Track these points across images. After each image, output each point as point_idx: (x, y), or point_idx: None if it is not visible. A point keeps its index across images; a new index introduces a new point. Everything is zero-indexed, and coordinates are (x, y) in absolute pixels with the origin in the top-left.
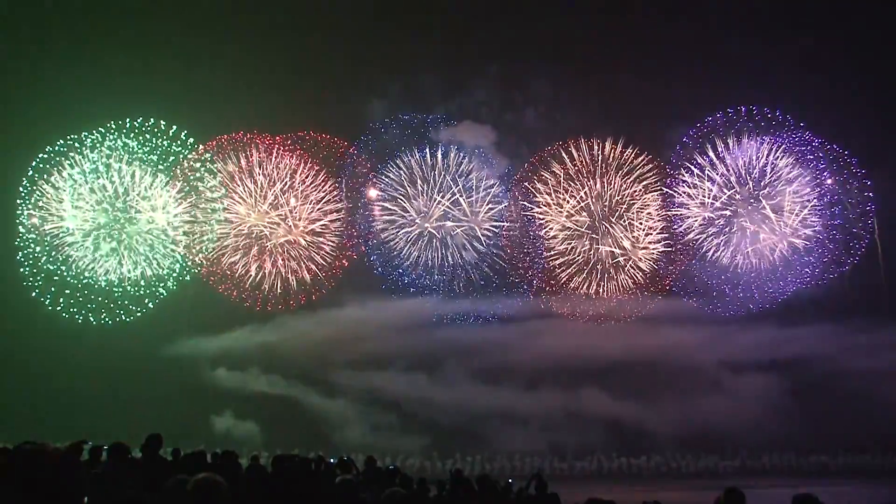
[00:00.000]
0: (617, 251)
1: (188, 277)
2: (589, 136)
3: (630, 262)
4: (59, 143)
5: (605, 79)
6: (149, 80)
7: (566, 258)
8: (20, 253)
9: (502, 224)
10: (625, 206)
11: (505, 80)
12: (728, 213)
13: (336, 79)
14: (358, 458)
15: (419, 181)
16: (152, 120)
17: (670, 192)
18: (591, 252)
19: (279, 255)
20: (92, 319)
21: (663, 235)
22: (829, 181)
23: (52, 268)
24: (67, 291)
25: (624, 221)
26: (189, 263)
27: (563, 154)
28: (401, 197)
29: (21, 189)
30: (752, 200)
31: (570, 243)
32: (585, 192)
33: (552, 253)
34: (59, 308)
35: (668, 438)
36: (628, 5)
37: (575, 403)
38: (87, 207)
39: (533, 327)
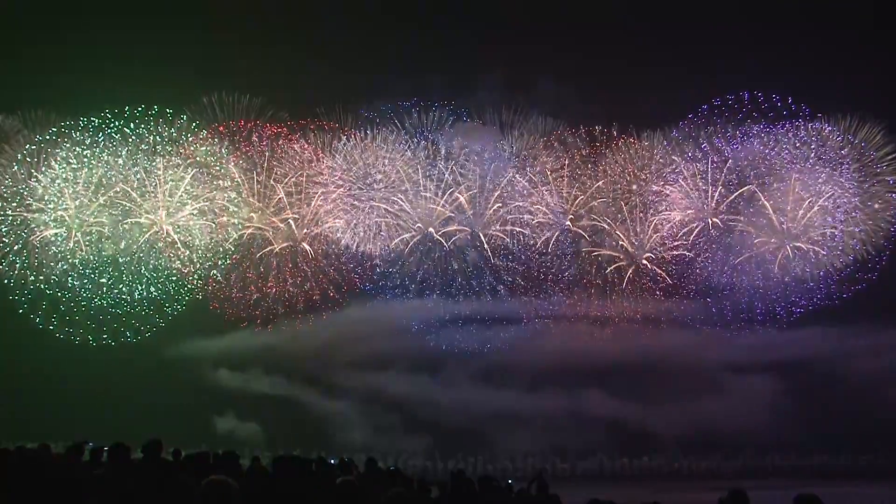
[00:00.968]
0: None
1: (200, 296)
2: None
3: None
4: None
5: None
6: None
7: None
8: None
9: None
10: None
11: (509, 79)
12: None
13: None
14: (360, 459)
15: (421, 180)
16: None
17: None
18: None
19: (287, 271)
20: (91, 340)
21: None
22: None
23: (43, 287)
24: (62, 308)
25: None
26: (200, 280)
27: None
28: (400, 198)
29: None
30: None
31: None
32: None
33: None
34: (51, 328)
35: (670, 439)
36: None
37: (577, 404)
38: (85, 208)
39: (535, 328)
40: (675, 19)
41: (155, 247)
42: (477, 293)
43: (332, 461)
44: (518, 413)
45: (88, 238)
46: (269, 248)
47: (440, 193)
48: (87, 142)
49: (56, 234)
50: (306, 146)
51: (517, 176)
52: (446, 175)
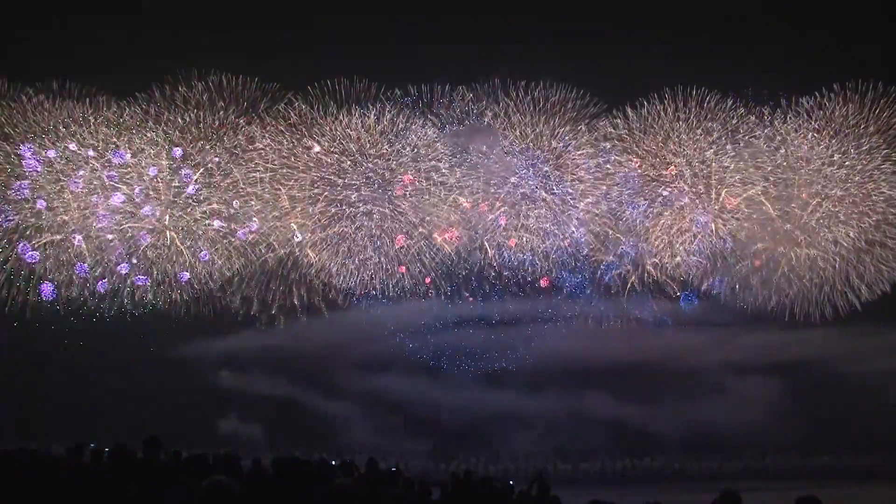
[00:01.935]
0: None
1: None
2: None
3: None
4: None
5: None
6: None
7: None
8: None
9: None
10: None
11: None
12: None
13: None
14: (362, 460)
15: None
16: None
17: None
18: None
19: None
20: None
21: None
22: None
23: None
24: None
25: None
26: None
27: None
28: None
29: None
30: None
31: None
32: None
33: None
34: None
35: (671, 440)
36: None
37: (578, 406)
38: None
39: (537, 329)
40: None
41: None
42: (479, 295)
43: (333, 462)
44: (519, 414)
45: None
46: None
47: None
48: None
49: None
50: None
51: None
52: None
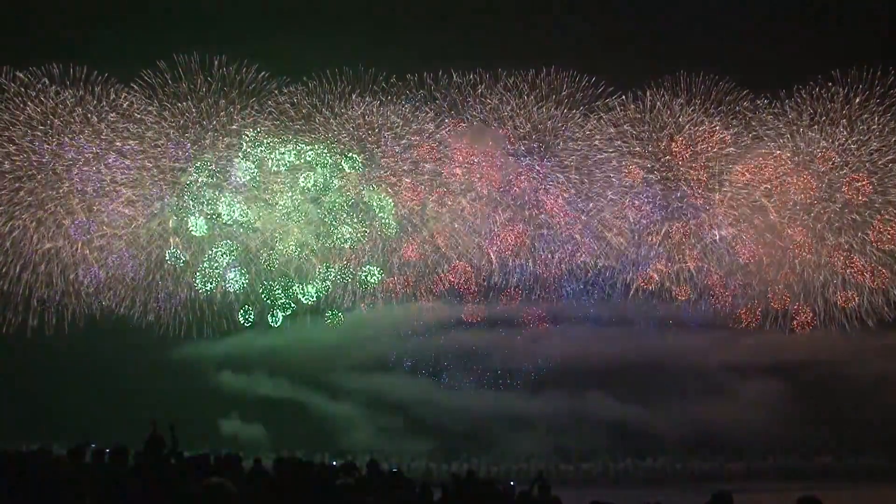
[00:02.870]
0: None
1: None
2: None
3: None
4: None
5: None
6: None
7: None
8: None
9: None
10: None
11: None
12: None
13: None
14: (365, 461)
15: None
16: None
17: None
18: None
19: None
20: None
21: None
22: None
23: None
24: None
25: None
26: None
27: None
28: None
29: None
30: None
31: None
32: None
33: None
34: None
35: (673, 441)
36: None
37: (580, 406)
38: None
39: (539, 331)
40: None
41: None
42: (482, 296)
43: (334, 463)
44: (521, 415)
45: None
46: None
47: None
48: None
49: None
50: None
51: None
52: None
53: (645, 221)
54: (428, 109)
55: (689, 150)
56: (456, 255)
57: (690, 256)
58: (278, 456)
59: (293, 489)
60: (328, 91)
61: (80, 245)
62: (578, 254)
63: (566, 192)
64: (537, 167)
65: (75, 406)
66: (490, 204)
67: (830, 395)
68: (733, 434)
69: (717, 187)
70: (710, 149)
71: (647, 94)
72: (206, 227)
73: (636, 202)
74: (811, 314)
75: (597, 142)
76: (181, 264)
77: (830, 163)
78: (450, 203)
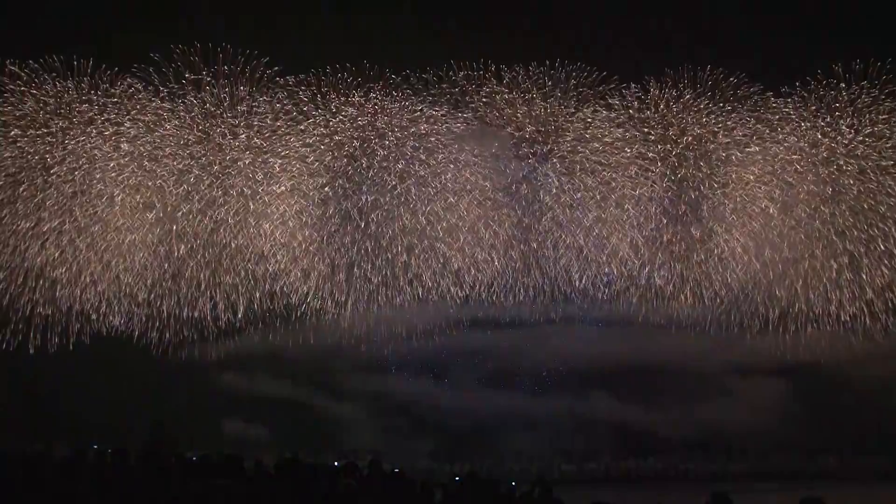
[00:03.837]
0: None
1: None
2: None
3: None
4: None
5: None
6: None
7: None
8: None
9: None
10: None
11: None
12: None
13: None
14: (367, 461)
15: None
16: None
17: None
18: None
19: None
20: None
21: None
22: None
23: None
24: None
25: None
26: None
27: None
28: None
29: None
30: None
31: None
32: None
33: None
34: None
35: (676, 441)
36: None
37: (582, 407)
38: None
39: (541, 332)
40: None
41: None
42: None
43: (336, 464)
44: (524, 416)
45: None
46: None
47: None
48: None
49: None
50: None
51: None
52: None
53: (652, 225)
54: (437, 109)
55: (696, 150)
56: (460, 257)
57: (697, 263)
58: (280, 456)
59: (294, 490)
60: (326, 87)
61: (83, 256)
62: (581, 256)
63: (572, 193)
64: (542, 168)
65: (77, 407)
66: (494, 207)
67: (834, 395)
68: (736, 434)
69: (724, 189)
70: (719, 148)
71: (652, 90)
72: None
73: (645, 207)
74: (816, 314)
75: (601, 140)
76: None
77: (837, 163)
78: (452, 201)
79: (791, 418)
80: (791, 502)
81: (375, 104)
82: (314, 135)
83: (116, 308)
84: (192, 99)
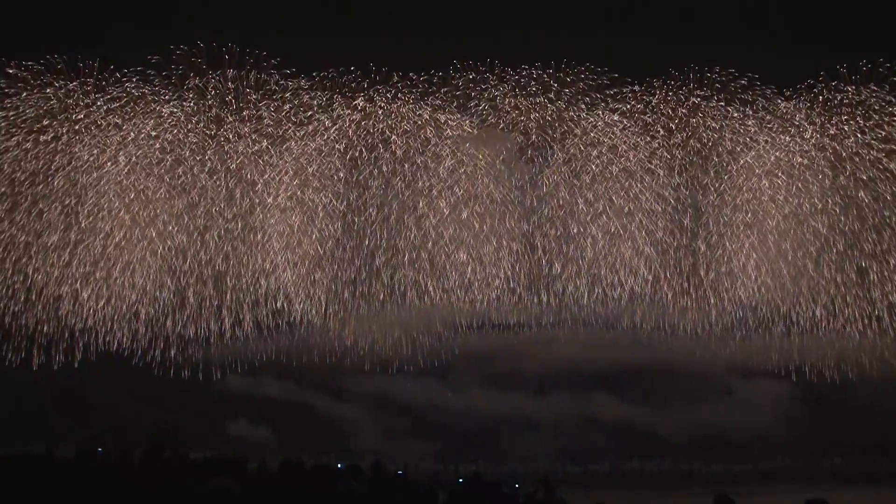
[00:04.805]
0: None
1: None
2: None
3: None
4: None
5: None
6: None
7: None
8: None
9: None
10: None
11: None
12: None
13: None
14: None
15: None
16: None
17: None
18: None
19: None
20: None
21: None
22: None
23: None
24: None
25: None
26: None
27: None
28: None
29: None
30: None
31: None
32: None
33: None
34: None
35: (680, 443)
36: None
37: (586, 408)
38: None
39: (544, 333)
40: None
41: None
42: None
43: (339, 466)
44: (528, 416)
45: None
46: None
47: None
48: None
49: None
50: None
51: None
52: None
53: (659, 237)
54: (442, 113)
55: (702, 153)
56: (466, 271)
57: (705, 277)
58: (285, 458)
59: (297, 491)
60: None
61: (85, 272)
62: (588, 273)
63: (577, 197)
64: (548, 171)
65: (82, 408)
66: (500, 218)
67: (839, 396)
68: (741, 435)
69: (731, 196)
70: (724, 152)
71: (658, 92)
72: None
73: (653, 220)
74: (821, 316)
75: (607, 145)
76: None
77: (845, 170)
78: (458, 212)
79: (795, 420)
80: None
81: (381, 107)
82: (319, 142)
83: (118, 327)
84: (193, 104)
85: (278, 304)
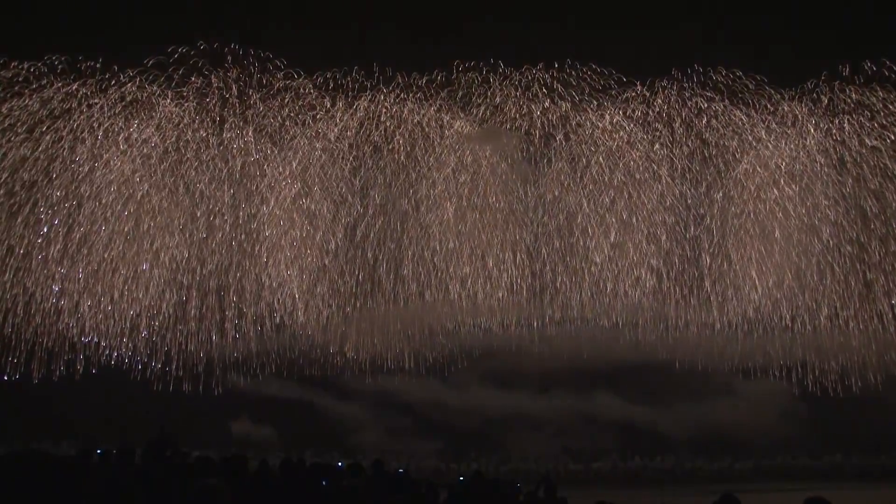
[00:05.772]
0: None
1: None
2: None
3: None
4: None
5: None
6: None
7: None
8: None
9: None
10: None
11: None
12: None
13: None
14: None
15: None
16: None
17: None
18: None
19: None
20: None
21: None
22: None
23: None
24: None
25: None
26: None
27: None
28: None
29: None
30: None
31: None
32: None
33: None
34: None
35: (681, 441)
36: None
37: (588, 406)
38: None
39: (545, 332)
40: None
41: None
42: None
43: (340, 464)
44: (529, 415)
45: None
46: None
47: None
48: None
49: None
50: None
51: None
52: None
53: (664, 240)
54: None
55: (705, 153)
56: (465, 259)
57: (710, 288)
58: (287, 456)
59: (298, 490)
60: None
61: (85, 286)
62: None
63: (582, 204)
64: (551, 175)
65: (82, 408)
66: (504, 227)
67: (839, 394)
68: (742, 433)
69: (734, 202)
70: (727, 152)
71: (661, 91)
72: None
73: (658, 232)
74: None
75: (610, 147)
76: None
77: (849, 173)
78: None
79: (796, 418)
80: (796, 501)
81: (385, 108)
82: (323, 143)
83: (118, 343)
84: (195, 105)
85: (279, 318)
